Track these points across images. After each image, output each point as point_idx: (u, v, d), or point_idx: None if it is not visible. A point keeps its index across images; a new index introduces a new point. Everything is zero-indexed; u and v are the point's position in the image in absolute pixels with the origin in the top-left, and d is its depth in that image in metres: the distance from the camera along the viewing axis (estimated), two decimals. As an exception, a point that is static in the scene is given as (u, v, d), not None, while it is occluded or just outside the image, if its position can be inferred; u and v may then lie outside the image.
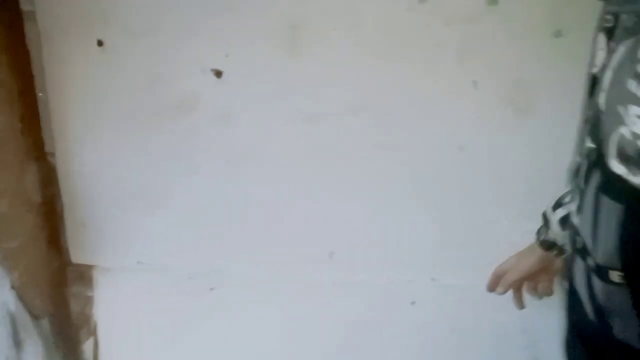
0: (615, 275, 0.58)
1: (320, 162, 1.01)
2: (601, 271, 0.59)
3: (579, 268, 0.65)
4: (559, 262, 0.80)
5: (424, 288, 1.05)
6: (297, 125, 0.99)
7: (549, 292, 0.85)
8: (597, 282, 0.61)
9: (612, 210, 0.56)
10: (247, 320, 1.12)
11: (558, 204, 0.78)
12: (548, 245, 0.80)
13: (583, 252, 0.63)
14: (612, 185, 0.56)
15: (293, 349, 1.13)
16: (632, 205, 0.55)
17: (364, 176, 1.01)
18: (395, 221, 1.02)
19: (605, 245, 0.58)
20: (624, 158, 0.54)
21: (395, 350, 1.09)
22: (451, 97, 0.93)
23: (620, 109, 0.54)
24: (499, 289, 0.87)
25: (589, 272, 0.62)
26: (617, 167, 0.55)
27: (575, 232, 0.65)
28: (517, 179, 0.95)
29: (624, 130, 0.54)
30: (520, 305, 0.87)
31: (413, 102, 0.95)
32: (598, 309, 0.62)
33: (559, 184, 0.84)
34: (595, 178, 0.59)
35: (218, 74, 0.98)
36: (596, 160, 0.59)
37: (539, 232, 0.82)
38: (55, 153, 1.09)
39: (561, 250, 0.79)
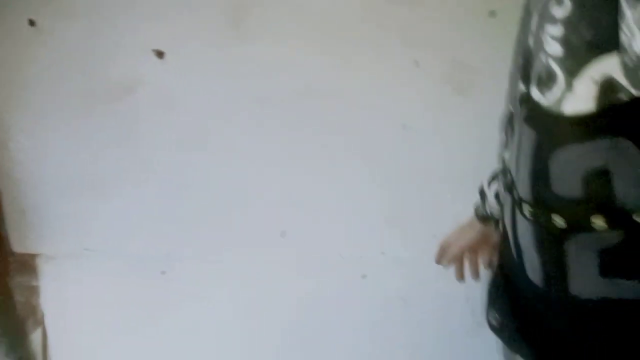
0: (526, 209, 0.59)
1: (269, 144, 1.01)
2: (520, 204, 0.60)
3: (507, 205, 0.66)
4: (497, 235, 0.83)
5: (374, 262, 1.08)
6: (243, 108, 0.98)
7: (489, 264, 0.88)
8: (519, 218, 0.62)
9: (529, 139, 0.58)
10: (201, 302, 1.12)
11: (493, 178, 0.80)
12: (485, 218, 0.83)
13: (511, 187, 0.64)
14: (531, 114, 0.58)
15: (248, 327, 1.14)
16: (542, 131, 0.56)
17: (312, 155, 1.01)
18: (345, 198, 1.04)
19: (522, 175, 0.59)
20: (539, 82, 0.56)
21: (348, 323, 1.12)
22: (394, 76, 0.95)
23: (541, 33, 0.55)
24: (443, 262, 0.89)
25: (513, 206, 0.63)
26: (535, 94, 0.56)
27: (507, 171, 0.67)
28: (460, 154, 0.98)
29: (542, 55, 0.55)
30: (461, 277, 0.90)
31: (358, 81, 0.96)
32: (517, 247, 0.63)
33: (496, 158, 0.88)
34: (523, 113, 0.60)
35: (160, 54, 0.95)
36: (526, 99, 0.60)
37: (476, 206, 0.85)
38: (-12, 139, 1.03)
39: (497, 223, 0.81)
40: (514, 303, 0.69)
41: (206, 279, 1.11)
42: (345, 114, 0.98)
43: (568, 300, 0.58)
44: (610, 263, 0.55)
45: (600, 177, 0.52)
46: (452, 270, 1.06)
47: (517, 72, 0.66)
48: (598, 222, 0.53)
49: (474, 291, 1.06)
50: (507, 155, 0.70)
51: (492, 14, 0.89)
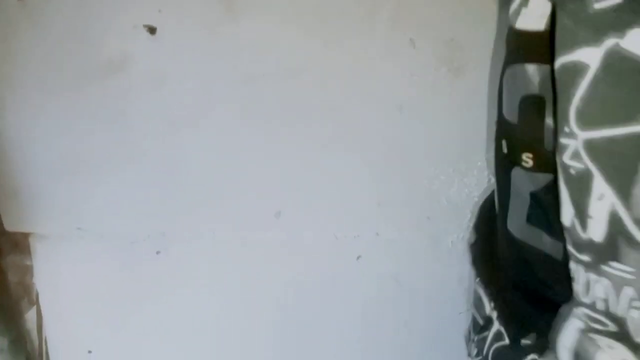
0: (495, 129, 0.58)
1: (263, 123, 1.00)
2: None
3: None
4: None
5: (369, 243, 1.08)
6: (235, 85, 0.97)
7: None
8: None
9: (502, 54, 0.55)
10: (196, 281, 1.13)
11: None
12: None
13: None
14: (507, 28, 0.54)
15: (242, 307, 1.14)
16: (507, 47, 0.53)
17: (306, 136, 1.00)
18: (340, 179, 1.04)
19: (495, 94, 0.58)
20: None
21: (342, 303, 1.13)
22: (389, 56, 0.93)
23: None
24: None
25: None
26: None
27: None
28: (453, 135, 0.98)
29: None
30: None
31: (352, 61, 0.94)
32: None
33: (490, 139, 0.87)
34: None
35: (152, 30, 0.93)
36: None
37: None
38: (-24, 117, 1.02)
39: None
40: (489, 224, 0.68)
41: (200, 259, 1.11)
42: (340, 94, 0.97)
43: (508, 234, 0.58)
44: (536, 209, 0.53)
45: (535, 106, 0.49)
46: (445, 251, 1.07)
47: None
48: (527, 158, 0.52)
49: (467, 272, 1.07)
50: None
51: (490, -10, 0.88)
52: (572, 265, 0.52)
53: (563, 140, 0.47)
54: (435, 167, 1.01)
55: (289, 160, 1.03)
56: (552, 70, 0.48)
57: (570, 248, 0.52)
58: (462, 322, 1.13)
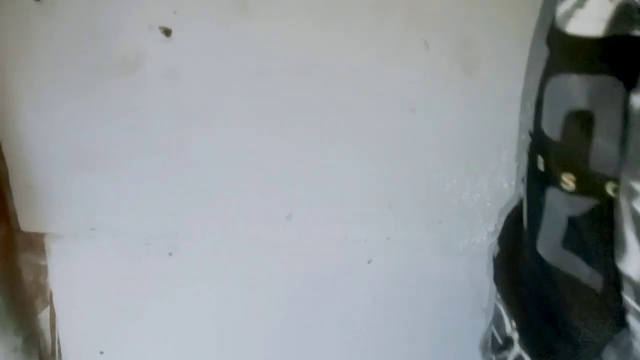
0: (528, 142, 0.54)
1: (274, 123, 1.00)
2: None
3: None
4: None
5: (380, 247, 1.08)
6: (248, 84, 0.97)
7: None
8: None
9: (542, 59, 0.50)
10: (208, 282, 1.13)
11: None
12: None
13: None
14: (549, 29, 0.50)
15: (253, 309, 1.14)
16: (550, 52, 0.48)
17: (318, 136, 1.00)
18: (350, 182, 1.04)
19: (532, 103, 0.53)
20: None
21: (351, 307, 1.13)
22: (402, 56, 0.93)
23: None
24: None
25: None
26: (558, 6, 0.48)
27: None
28: (466, 138, 0.97)
29: None
30: None
31: (364, 60, 0.94)
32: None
33: (503, 143, 0.87)
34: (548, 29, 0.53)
35: (167, 32, 0.94)
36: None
37: None
38: (-6, 115, 1.03)
39: None
40: (514, 238, 0.64)
41: (212, 259, 1.11)
42: (352, 94, 0.97)
43: (536, 255, 0.53)
44: (574, 235, 0.48)
45: (582, 123, 0.44)
46: (457, 255, 1.06)
47: None
48: (568, 180, 0.47)
49: (479, 276, 1.05)
50: None
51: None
52: (632, 320, 0.47)
53: (636, 185, 0.42)
54: (448, 170, 1.00)
55: (300, 160, 1.03)
56: (627, 96, 0.41)
57: (630, 301, 0.46)
58: (472, 328, 1.12)
